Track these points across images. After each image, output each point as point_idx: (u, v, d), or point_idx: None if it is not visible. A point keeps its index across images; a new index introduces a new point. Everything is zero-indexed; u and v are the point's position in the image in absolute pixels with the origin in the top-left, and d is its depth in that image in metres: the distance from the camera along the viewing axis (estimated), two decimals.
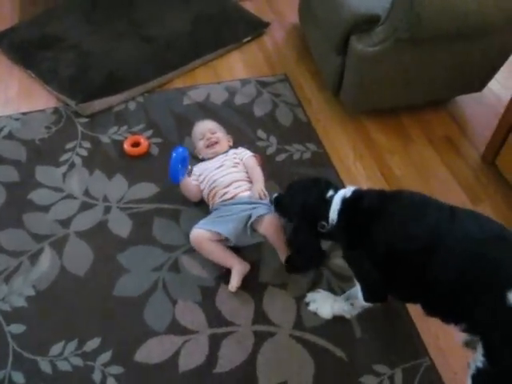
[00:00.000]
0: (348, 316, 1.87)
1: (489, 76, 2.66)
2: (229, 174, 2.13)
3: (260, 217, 1.96)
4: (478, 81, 2.69)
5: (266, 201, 2.03)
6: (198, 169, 2.21)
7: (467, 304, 1.40)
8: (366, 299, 1.69)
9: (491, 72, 2.63)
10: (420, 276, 1.48)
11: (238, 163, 2.20)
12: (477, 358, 1.41)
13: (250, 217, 1.96)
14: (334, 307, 1.87)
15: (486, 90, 2.77)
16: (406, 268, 1.50)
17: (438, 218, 1.47)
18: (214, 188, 2.10)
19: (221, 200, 2.07)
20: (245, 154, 2.24)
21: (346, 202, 1.65)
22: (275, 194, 1.95)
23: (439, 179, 2.43)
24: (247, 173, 2.17)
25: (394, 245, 1.50)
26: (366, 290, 1.68)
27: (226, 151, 2.27)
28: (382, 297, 1.68)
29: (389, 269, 1.55)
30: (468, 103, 2.84)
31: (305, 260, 1.82)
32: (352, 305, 1.81)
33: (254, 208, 2.00)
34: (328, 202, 1.67)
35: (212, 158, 2.25)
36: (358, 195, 1.65)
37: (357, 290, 1.71)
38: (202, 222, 2.03)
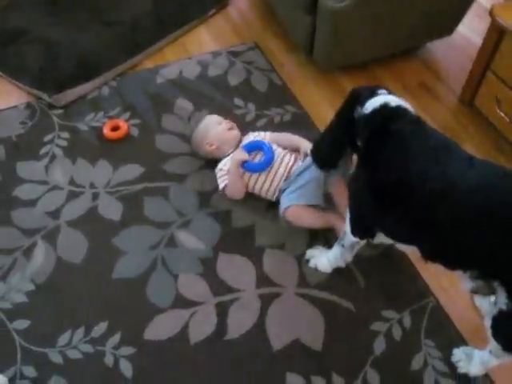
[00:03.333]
0: (343, 264, 1.87)
1: (458, 18, 2.66)
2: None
3: (332, 178, 1.99)
4: (448, 24, 2.69)
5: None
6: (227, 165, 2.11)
7: (484, 249, 1.35)
8: (352, 231, 1.68)
9: (461, 14, 2.63)
10: (427, 217, 1.42)
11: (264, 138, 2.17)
12: (499, 301, 1.39)
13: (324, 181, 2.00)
14: (330, 259, 1.87)
15: (454, 34, 2.77)
16: (412, 205, 1.44)
17: (458, 164, 1.43)
18: (269, 170, 2.05)
19: (284, 178, 2.04)
20: (262, 132, 2.23)
21: (385, 106, 1.58)
22: None
23: None
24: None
25: (406, 175, 1.44)
26: (353, 219, 1.66)
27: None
28: (367, 229, 1.65)
29: (390, 200, 1.49)
30: (439, 48, 2.85)
31: (327, 145, 1.83)
32: (343, 246, 1.79)
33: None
34: (374, 94, 1.63)
35: (234, 149, 2.15)
36: (400, 111, 1.60)
37: (346, 225, 1.70)
38: (291, 196, 1.99)
